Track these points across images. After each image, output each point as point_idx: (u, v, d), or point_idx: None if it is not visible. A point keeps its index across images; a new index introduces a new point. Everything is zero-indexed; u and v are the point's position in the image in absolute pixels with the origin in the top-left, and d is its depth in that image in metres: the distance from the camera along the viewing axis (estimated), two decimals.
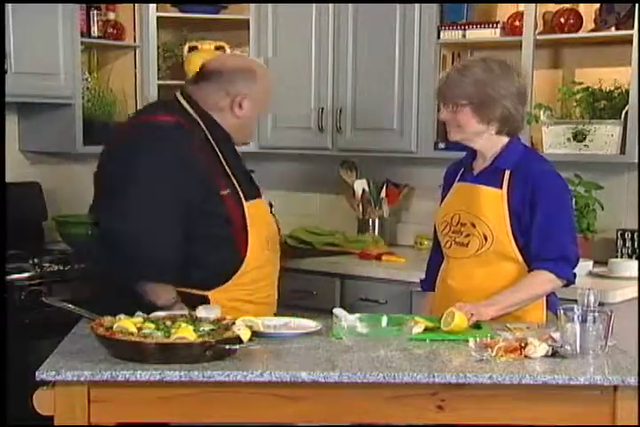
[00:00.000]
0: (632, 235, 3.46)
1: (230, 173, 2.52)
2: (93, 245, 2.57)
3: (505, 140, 2.52)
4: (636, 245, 3.45)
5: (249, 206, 2.53)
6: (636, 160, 3.31)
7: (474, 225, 2.50)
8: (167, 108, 2.56)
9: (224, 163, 2.52)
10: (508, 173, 2.48)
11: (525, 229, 2.45)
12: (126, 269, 2.41)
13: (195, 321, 2.13)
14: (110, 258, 2.43)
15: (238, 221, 2.50)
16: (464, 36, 3.66)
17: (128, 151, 2.46)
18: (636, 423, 1.97)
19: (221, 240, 2.50)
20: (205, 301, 2.46)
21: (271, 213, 2.72)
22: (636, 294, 3.15)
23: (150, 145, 2.44)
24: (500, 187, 2.48)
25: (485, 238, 2.49)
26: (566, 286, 2.48)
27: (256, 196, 2.61)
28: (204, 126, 2.52)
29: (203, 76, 2.57)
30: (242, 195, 2.52)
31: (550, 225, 2.43)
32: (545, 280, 2.43)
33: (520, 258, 2.47)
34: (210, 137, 2.52)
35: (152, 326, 2.06)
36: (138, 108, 4.02)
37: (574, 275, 2.48)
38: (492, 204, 2.48)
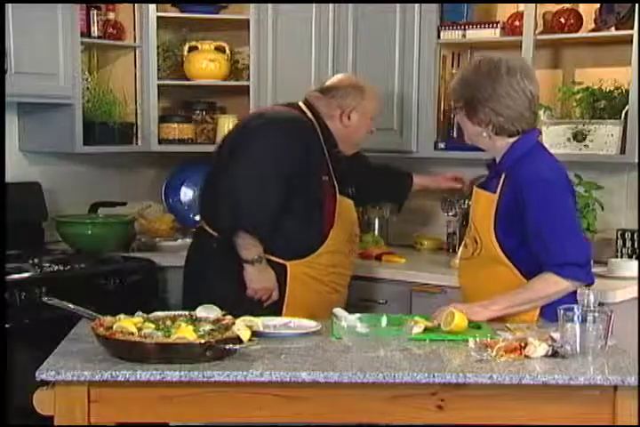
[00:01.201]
0: (632, 235, 3.45)
1: (330, 167, 3.01)
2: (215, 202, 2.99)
3: (509, 141, 2.47)
4: (636, 245, 3.45)
5: (341, 200, 3.05)
6: (637, 160, 3.30)
7: (471, 228, 2.55)
8: (288, 106, 3.09)
9: (327, 159, 3.01)
10: (503, 176, 2.46)
11: (519, 230, 2.41)
12: (228, 218, 2.89)
13: (195, 321, 2.13)
14: (220, 209, 2.92)
15: (329, 206, 2.99)
16: (464, 36, 3.65)
17: (259, 127, 2.96)
18: (636, 423, 1.97)
19: (311, 218, 2.95)
20: (284, 269, 2.95)
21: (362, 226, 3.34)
22: (635, 294, 3.15)
23: (278, 125, 2.97)
24: (495, 191, 2.47)
25: (476, 242, 2.50)
26: (587, 286, 2.39)
27: (347, 196, 3.11)
28: (317, 127, 3.02)
29: (323, 90, 3.12)
30: (337, 188, 3.02)
31: (541, 229, 2.37)
32: (549, 282, 2.38)
33: (508, 262, 2.45)
34: (321, 137, 3.01)
35: (152, 325, 2.06)
36: (137, 108, 4.02)
37: (590, 275, 2.41)
38: (485, 208, 2.49)
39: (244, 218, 2.87)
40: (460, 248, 2.65)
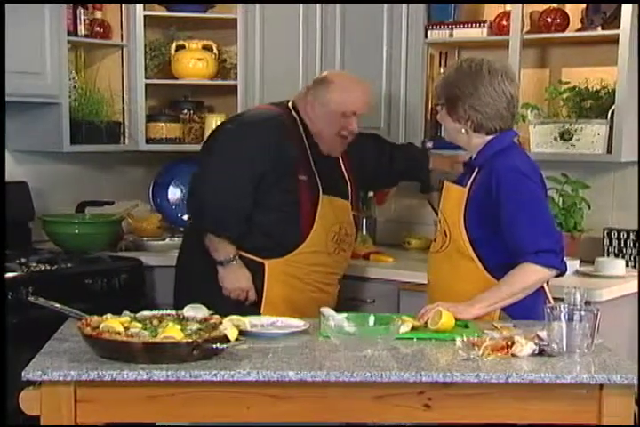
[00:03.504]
0: (619, 234, 3.47)
1: (313, 167, 2.95)
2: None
3: (486, 138, 2.53)
4: (622, 244, 3.46)
5: (325, 199, 2.97)
6: (623, 159, 3.32)
7: (440, 221, 2.60)
8: (276, 105, 3.06)
9: (310, 157, 2.95)
10: (476, 171, 2.52)
11: (488, 223, 2.45)
12: (197, 220, 2.96)
13: (182, 320, 2.12)
14: (189, 210, 3.04)
15: (308, 206, 2.93)
16: (451, 35, 3.66)
17: (232, 127, 2.97)
18: (621, 421, 1.98)
19: (289, 216, 2.91)
20: (262, 268, 2.92)
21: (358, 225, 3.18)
22: (622, 293, 3.16)
23: (247, 127, 2.94)
24: (466, 185, 2.52)
25: (446, 234, 2.54)
26: (560, 275, 2.46)
27: (340, 196, 3.02)
28: (300, 126, 2.97)
29: (307, 86, 3.08)
30: (320, 186, 2.94)
31: (515, 218, 2.41)
32: (528, 272, 2.41)
33: (474, 256, 2.48)
34: (304, 135, 2.96)
35: (139, 325, 2.05)
36: (125, 107, 4.01)
37: (563, 263, 2.45)
38: (455, 201, 2.53)
39: (207, 219, 2.90)
40: (432, 243, 2.67)
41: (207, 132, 4.06)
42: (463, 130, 2.52)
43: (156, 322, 2.10)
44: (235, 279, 2.92)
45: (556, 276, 2.47)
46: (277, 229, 2.93)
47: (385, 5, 3.71)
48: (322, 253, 3.00)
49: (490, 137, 2.53)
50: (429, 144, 3.72)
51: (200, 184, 2.89)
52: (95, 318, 2.09)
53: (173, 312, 2.20)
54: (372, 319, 2.24)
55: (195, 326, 2.07)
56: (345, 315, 2.27)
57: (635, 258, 3.44)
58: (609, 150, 3.33)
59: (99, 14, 3.96)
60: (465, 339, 2.15)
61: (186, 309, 2.21)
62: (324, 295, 3.03)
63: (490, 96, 2.47)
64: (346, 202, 3.07)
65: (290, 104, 3.06)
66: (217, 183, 2.86)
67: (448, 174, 3.07)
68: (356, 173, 3.14)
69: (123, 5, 3.98)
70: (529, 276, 2.42)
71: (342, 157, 3.10)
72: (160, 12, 4.14)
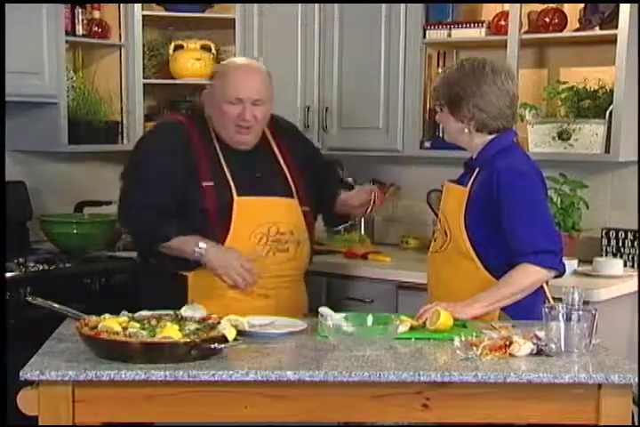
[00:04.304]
0: (617, 233, 3.47)
1: (226, 169, 2.73)
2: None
3: (488, 138, 2.53)
4: (620, 244, 3.47)
5: (241, 201, 2.72)
6: (621, 159, 3.32)
7: (440, 221, 2.59)
8: (187, 110, 2.95)
9: (222, 159, 2.75)
10: (477, 170, 2.52)
11: (489, 223, 2.45)
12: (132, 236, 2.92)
13: (180, 320, 2.12)
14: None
15: (216, 212, 2.69)
16: (449, 35, 3.66)
17: (138, 143, 2.91)
18: (619, 421, 1.98)
19: (197, 226, 2.68)
20: (185, 280, 2.71)
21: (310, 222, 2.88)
22: (620, 293, 3.16)
23: (147, 137, 2.91)
24: (467, 185, 2.52)
25: (446, 234, 2.54)
26: (558, 276, 2.47)
27: (275, 194, 2.79)
28: (211, 127, 2.79)
29: None
30: (234, 190, 2.71)
31: (515, 218, 2.41)
32: (528, 272, 2.41)
33: (474, 255, 2.48)
34: (212, 135, 2.78)
35: (137, 325, 2.05)
36: (123, 107, 4.01)
37: (562, 264, 2.46)
38: (456, 200, 2.53)
39: (136, 238, 2.89)
40: (431, 243, 2.66)
41: None
42: (466, 130, 2.52)
43: (154, 322, 2.10)
44: (223, 261, 2.64)
45: (555, 277, 2.48)
46: None
47: (383, 5, 3.71)
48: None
49: (491, 137, 2.53)
50: (428, 144, 3.72)
51: (120, 203, 2.79)
52: (93, 318, 2.09)
53: (171, 312, 2.20)
54: (370, 319, 2.24)
55: (193, 326, 2.07)
56: (343, 315, 2.27)
57: (633, 258, 3.44)
58: (607, 150, 3.33)
59: (97, 14, 3.96)
60: (463, 339, 2.15)
61: (184, 309, 2.21)
62: (270, 301, 2.72)
63: (494, 95, 2.47)
64: (283, 199, 2.80)
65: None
66: (126, 202, 2.76)
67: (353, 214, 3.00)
68: (303, 168, 2.89)
69: (121, 5, 3.98)
70: (528, 276, 2.42)
71: (282, 151, 2.87)
72: (158, 11, 4.14)
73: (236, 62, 2.88)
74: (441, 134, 3.67)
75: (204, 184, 2.70)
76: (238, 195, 2.72)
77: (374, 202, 2.85)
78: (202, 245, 2.63)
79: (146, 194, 2.71)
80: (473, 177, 2.52)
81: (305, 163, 2.91)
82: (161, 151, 2.75)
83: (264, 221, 2.74)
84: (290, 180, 2.84)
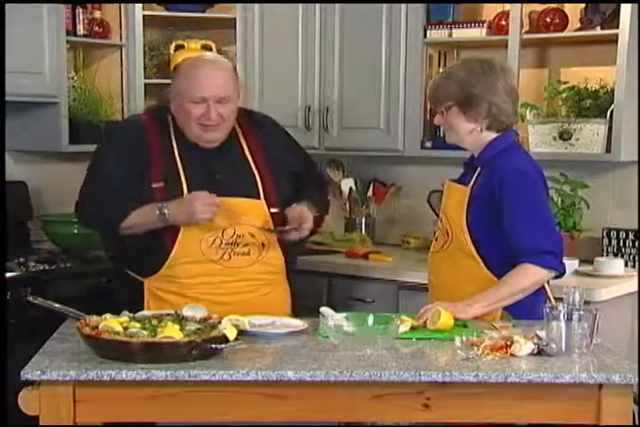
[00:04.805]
0: (617, 233, 3.47)
1: (181, 169, 2.60)
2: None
3: (492, 136, 2.53)
4: (621, 244, 3.46)
5: None
6: (621, 159, 3.32)
7: (442, 221, 2.59)
8: (151, 107, 2.84)
9: (177, 159, 2.62)
10: (478, 170, 2.52)
11: (491, 222, 2.45)
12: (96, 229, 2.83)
13: (181, 320, 2.12)
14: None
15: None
16: (450, 35, 3.67)
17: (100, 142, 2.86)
18: (620, 421, 1.98)
19: (148, 229, 2.57)
20: (141, 286, 2.62)
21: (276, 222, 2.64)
22: (621, 293, 3.16)
23: (106, 138, 2.87)
24: (468, 184, 2.52)
25: (447, 234, 2.54)
26: (558, 277, 2.47)
27: (236, 194, 2.60)
28: (172, 126, 2.66)
29: None
30: (186, 190, 2.57)
31: (517, 218, 2.42)
32: (528, 273, 2.42)
33: (476, 255, 2.48)
34: (172, 134, 2.65)
35: (138, 325, 2.05)
36: (124, 107, 4.01)
37: (562, 264, 2.46)
38: (457, 200, 2.53)
39: (91, 220, 2.78)
40: (432, 243, 2.66)
41: None
42: (479, 128, 2.52)
43: (154, 322, 2.10)
44: (185, 210, 2.52)
45: (555, 277, 2.48)
46: (138, 247, 2.61)
47: (384, 5, 3.71)
48: (203, 263, 2.58)
49: (494, 136, 2.53)
50: (428, 144, 3.72)
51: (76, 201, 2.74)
52: (94, 318, 2.09)
53: (172, 312, 2.20)
54: (371, 319, 2.24)
55: (194, 326, 2.07)
56: (344, 315, 2.27)
57: (634, 258, 3.44)
58: (608, 150, 3.33)
59: (98, 14, 3.96)
60: (464, 339, 2.16)
61: (185, 309, 2.21)
62: (230, 307, 2.49)
63: (506, 92, 2.50)
64: (245, 200, 2.62)
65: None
66: (81, 198, 2.71)
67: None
68: (277, 167, 2.71)
69: (122, 5, 3.98)
70: (528, 276, 2.42)
71: (252, 148, 2.71)
72: (159, 11, 4.14)
73: (198, 58, 2.73)
74: (442, 134, 3.68)
75: (154, 185, 2.58)
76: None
77: (294, 229, 2.60)
78: (162, 205, 2.52)
79: (99, 188, 2.62)
80: (475, 176, 2.52)
81: (280, 161, 2.72)
82: (112, 153, 2.67)
83: (221, 224, 2.58)
84: (258, 179, 2.66)
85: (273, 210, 2.65)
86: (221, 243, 2.58)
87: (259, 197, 2.64)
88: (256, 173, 2.67)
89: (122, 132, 2.77)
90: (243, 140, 2.72)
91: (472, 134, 2.53)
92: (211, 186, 2.57)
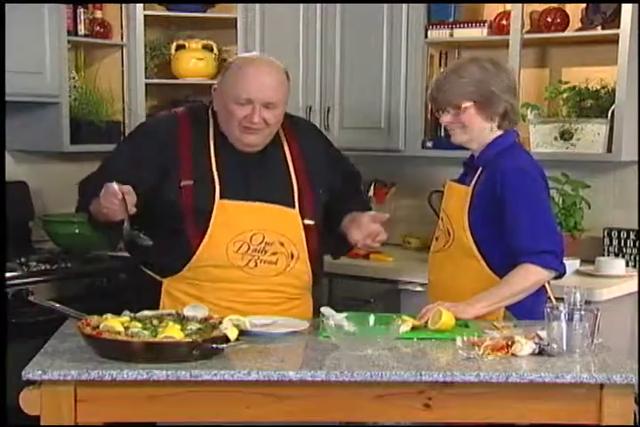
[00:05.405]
0: (619, 233, 3.47)
1: (215, 169, 2.49)
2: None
3: (494, 136, 2.53)
4: (622, 244, 3.46)
5: (224, 204, 2.47)
6: (623, 159, 3.32)
7: (443, 221, 2.59)
8: (190, 104, 2.78)
9: (213, 158, 2.51)
10: (480, 169, 2.52)
11: (492, 222, 2.46)
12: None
13: (182, 320, 2.12)
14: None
15: (192, 215, 2.46)
16: (451, 35, 3.67)
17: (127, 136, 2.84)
18: (622, 421, 1.98)
19: (172, 229, 2.47)
20: (159, 285, 2.52)
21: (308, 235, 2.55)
22: (622, 293, 3.16)
23: (130, 134, 2.76)
24: (469, 184, 2.52)
25: (449, 234, 2.54)
26: (558, 277, 2.47)
27: (267, 200, 2.51)
28: (212, 123, 2.55)
29: None
30: (218, 191, 2.47)
31: (518, 218, 2.42)
32: (529, 273, 2.42)
33: (478, 254, 2.48)
34: (211, 133, 2.54)
35: (139, 325, 2.05)
36: (125, 107, 4.01)
37: (563, 265, 2.46)
38: (459, 200, 2.53)
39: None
40: (432, 243, 2.66)
41: None
42: (491, 127, 2.53)
43: (156, 322, 2.10)
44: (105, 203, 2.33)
45: (555, 278, 2.47)
46: (164, 244, 2.45)
47: (385, 5, 3.71)
48: (228, 268, 2.47)
49: (497, 135, 2.53)
50: (429, 144, 3.72)
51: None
52: (95, 318, 2.09)
53: (173, 312, 2.20)
54: (372, 319, 2.24)
55: (195, 326, 2.07)
56: (345, 314, 2.27)
57: (635, 258, 3.44)
58: (609, 150, 3.33)
59: (99, 14, 3.96)
60: (465, 338, 2.16)
61: (186, 308, 2.21)
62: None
63: (515, 90, 2.54)
64: (278, 207, 2.51)
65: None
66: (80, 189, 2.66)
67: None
68: (317, 177, 2.60)
69: (123, 5, 3.98)
70: (529, 277, 2.42)
71: (294, 156, 2.59)
72: (160, 11, 4.14)
73: (251, 58, 2.62)
74: (442, 134, 3.68)
75: (183, 183, 2.47)
76: (222, 197, 2.47)
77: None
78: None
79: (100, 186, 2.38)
80: (476, 176, 2.52)
81: (321, 172, 2.62)
82: (128, 152, 2.59)
83: (247, 228, 2.47)
84: (295, 188, 2.55)
85: (307, 221, 2.54)
86: (248, 249, 2.47)
87: (293, 207, 2.53)
88: (295, 182, 2.55)
89: (150, 129, 2.63)
90: (287, 148, 2.60)
91: (483, 133, 2.53)
92: (245, 189, 2.50)
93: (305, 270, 2.56)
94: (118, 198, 2.27)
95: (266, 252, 2.48)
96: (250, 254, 2.47)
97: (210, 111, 2.58)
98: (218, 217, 2.46)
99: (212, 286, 2.48)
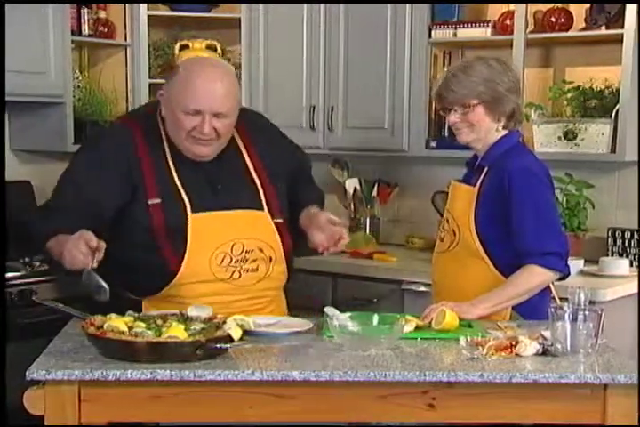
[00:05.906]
0: (622, 233, 3.47)
1: (178, 182, 2.41)
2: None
3: (499, 136, 2.53)
4: (626, 244, 3.46)
5: (197, 218, 2.40)
6: (627, 159, 3.32)
7: (448, 221, 2.58)
8: (137, 113, 2.68)
9: (173, 172, 2.42)
10: (485, 170, 2.52)
11: (498, 222, 2.45)
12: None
13: (186, 320, 2.12)
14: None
15: (164, 232, 2.38)
16: (455, 35, 3.67)
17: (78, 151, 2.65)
18: (626, 421, 1.97)
19: (146, 248, 2.39)
20: (140, 306, 2.42)
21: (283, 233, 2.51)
22: (626, 293, 3.16)
23: (87, 149, 2.59)
24: (475, 184, 2.52)
25: (454, 234, 2.54)
26: (562, 278, 2.47)
27: (240, 206, 2.46)
28: (163, 132, 2.44)
29: None
30: (188, 206, 2.39)
31: (524, 218, 2.42)
32: (533, 274, 2.42)
33: (484, 254, 2.48)
34: (165, 144, 2.44)
35: (143, 325, 2.05)
36: (129, 106, 4.01)
37: (567, 266, 2.46)
38: (464, 200, 2.53)
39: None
40: (436, 243, 2.65)
41: None
42: (498, 127, 2.52)
43: (159, 322, 2.10)
44: (65, 259, 2.23)
45: (559, 279, 2.47)
46: (140, 265, 2.40)
47: (389, 5, 3.71)
48: (213, 282, 2.41)
49: (501, 135, 2.52)
50: (433, 144, 3.72)
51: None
52: (99, 318, 2.09)
53: (177, 312, 2.20)
54: (375, 319, 2.24)
55: (198, 326, 2.07)
56: (349, 314, 2.27)
57: (639, 258, 3.43)
58: (613, 150, 3.33)
59: (103, 14, 3.97)
60: (469, 339, 2.15)
61: (190, 308, 2.21)
62: None
63: (520, 90, 2.55)
64: (249, 212, 2.47)
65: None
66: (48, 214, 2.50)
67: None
68: (276, 172, 2.55)
69: (127, 5, 3.99)
70: (533, 278, 2.42)
71: (251, 154, 2.53)
72: (164, 11, 4.14)
73: (199, 63, 2.49)
74: (446, 134, 3.68)
75: (150, 202, 2.37)
76: (193, 211, 2.39)
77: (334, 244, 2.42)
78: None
79: (68, 201, 2.39)
80: (482, 177, 2.51)
81: (279, 165, 2.57)
82: (96, 170, 2.42)
83: (226, 239, 2.41)
84: (260, 188, 2.49)
85: (277, 220, 2.51)
86: (231, 260, 2.41)
87: (262, 208, 2.49)
88: (258, 183, 2.51)
89: (109, 141, 2.48)
90: (243, 149, 2.53)
91: (489, 133, 2.53)
92: (212, 199, 2.43)
93: (282, 271, 2.54)
94: (91, 247, 2.17)
95: (247, 260, 2.44)
96: (232, 266, 2.42)
97: (159, 117, 2.46)
98: (194, 232, 2.39)
99: (197, 300, 2.36)
